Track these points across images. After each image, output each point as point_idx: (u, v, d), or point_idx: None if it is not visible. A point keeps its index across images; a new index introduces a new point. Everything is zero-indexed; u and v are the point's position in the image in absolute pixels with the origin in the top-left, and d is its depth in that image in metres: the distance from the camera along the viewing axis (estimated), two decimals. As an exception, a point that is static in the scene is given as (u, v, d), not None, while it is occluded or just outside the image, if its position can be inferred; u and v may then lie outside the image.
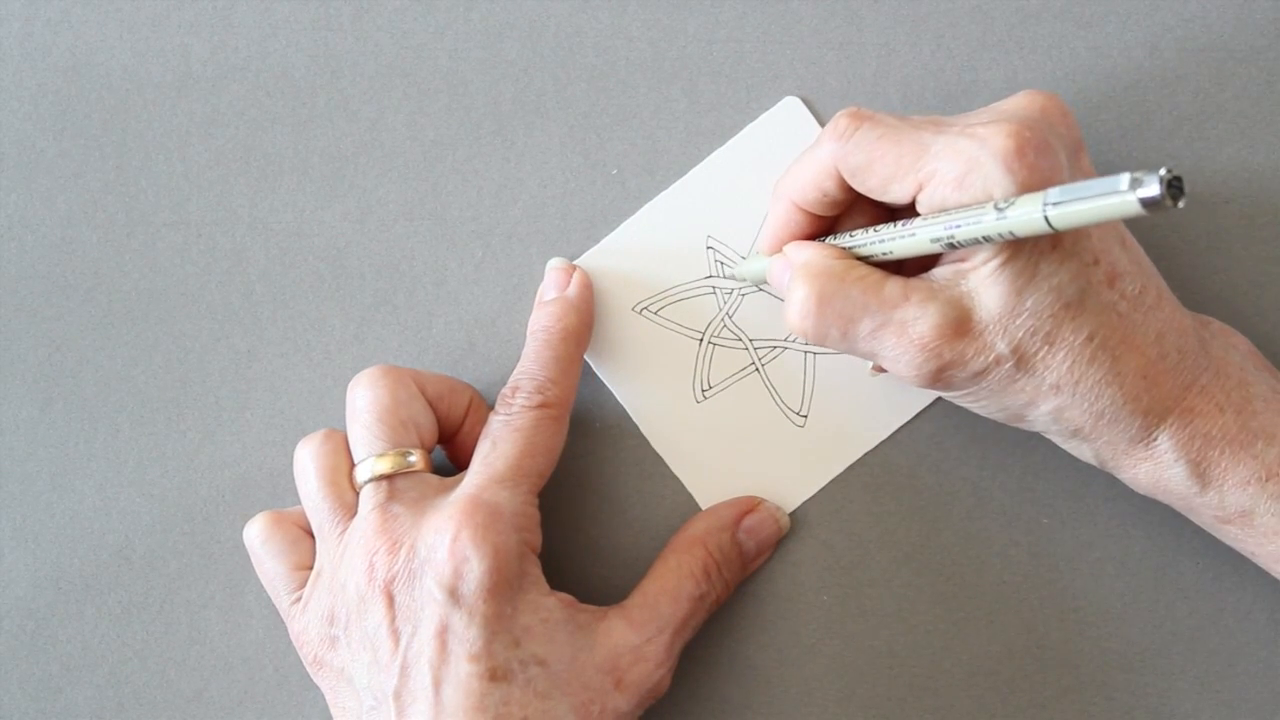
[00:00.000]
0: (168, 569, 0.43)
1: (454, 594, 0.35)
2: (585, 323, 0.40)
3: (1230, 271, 0.41)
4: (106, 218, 0.44)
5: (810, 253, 0.36)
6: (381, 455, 0.37)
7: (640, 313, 0.42)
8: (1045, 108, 0.34)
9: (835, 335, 0.34)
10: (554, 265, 0.42)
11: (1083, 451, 0.36)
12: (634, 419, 0.42)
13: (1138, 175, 0.26)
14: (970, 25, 0.42)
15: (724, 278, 0.42)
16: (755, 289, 0.42)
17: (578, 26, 0.43)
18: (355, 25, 0.43)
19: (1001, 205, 0.30)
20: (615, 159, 0.43)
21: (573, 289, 0.41)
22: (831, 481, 0.41)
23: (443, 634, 0.35)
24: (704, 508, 0.41)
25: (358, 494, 0.38)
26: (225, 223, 0.43)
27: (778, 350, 0.42)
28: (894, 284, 0.34)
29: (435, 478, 0.38)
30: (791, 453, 0.41)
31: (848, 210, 0.37)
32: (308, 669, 0.38)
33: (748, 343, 0.42)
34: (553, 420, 0.38)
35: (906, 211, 0.34)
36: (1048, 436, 0.36)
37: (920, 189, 0.33)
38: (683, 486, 0.41)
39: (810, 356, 0.41)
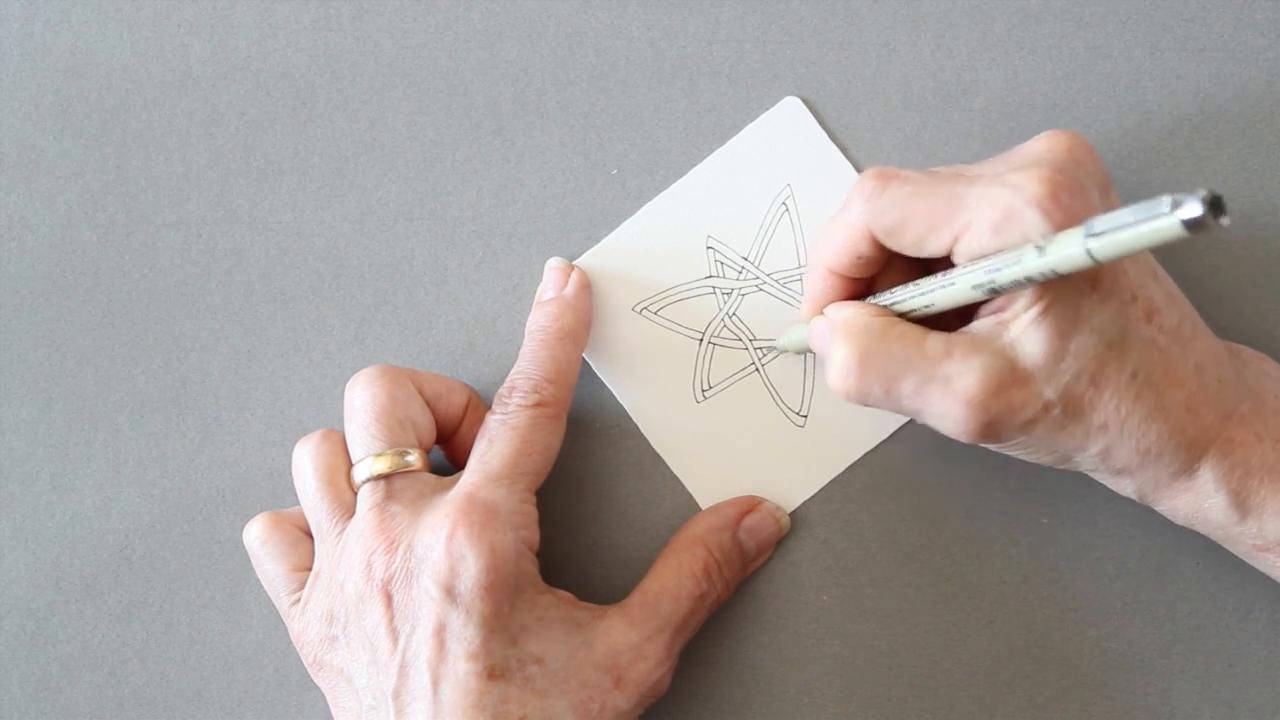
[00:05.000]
0: (168, 569, 0.42)
1: (450, 592, 0.35)
2: (583, 322, 0.40)
3: (1230, 271, 0.41)
4: (106, 218, 0.44)
5: (850, 312, 0.35)
6: (379, 455, 0.37)
7: (640, 313, 0.42)
8: (1072, 149, 0.33)
9: (878, 394, 0.34)
10: (552, 265, 0.42)
11: (1125, 487, 0.36)
12: (634, 419, 0.42)
13: (1178, 197, 0.26)
14: (970, 25, 0.42)
15: (724, 278, 0.42)
16: (758, 289, 0.42)
17: (578, 26, 0.43)
18: (355, 25, 0.43)
19: (1041, 244, 0.30)
20: (615, 159, 0.43)
21: (570, 289, 0.41)
22: (831, 481, 0.41)
23: (440, 633, 0.35)
24: (704, 508, 0.41)
25: (356, 494, 0.38)
26: (225, 223, 0.43)
27: (778, 349, 0.42)
28: (935, 339, 0.33)
29: (433, 477, 0.38)
30: (791, 453, 0.41)
31: (883, 269, 0.37)
32: (308, 669, 0.38)
33: (748, 343, 0.42)
34: (549, 419, 0.38)
35: (942, 265, 0.34)
36: (1093, 476, 0.36)
37: (956, 241, 0.33)
38: (683, 486, 0.41)
39: (810, 357, 0.41)
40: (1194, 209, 0.25)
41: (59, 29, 0.44)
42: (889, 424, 0.41)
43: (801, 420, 0.41)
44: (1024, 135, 0.42)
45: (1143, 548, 0.40)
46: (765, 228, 0.42)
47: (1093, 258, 0.28)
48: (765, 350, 0.42)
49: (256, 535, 0.39)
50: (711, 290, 0.42)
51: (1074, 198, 0.31)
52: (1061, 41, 0.42)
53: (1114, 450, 0.34)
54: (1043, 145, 0.34)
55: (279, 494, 0.42)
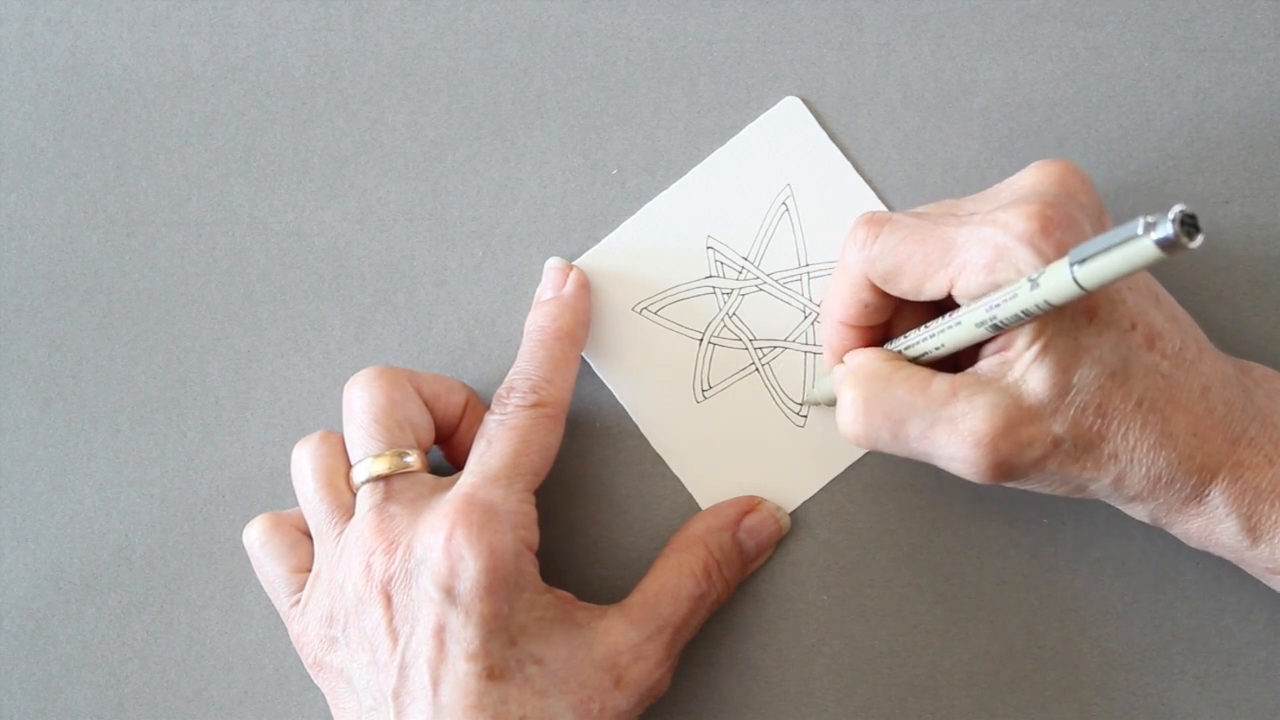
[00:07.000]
0: (168, 569, 0.42)
1: (450, 593, 0.35)
2: (581, 322, 0.40)
3: (1230, 272, 0.41)
4: (106, 218, 0.44)
5: (860, 358, 0.36)
6: (378, 456, 0.37)
7: (640, 313, 0.42)
8: (1063, 178, 0.33)
9: (886, 438, 0.34)
10: (551, 265, 0.42)
11: (1138, 512, 0.36)
12: (634, 419, 0.42)
13: (1151, 219, 0.26)
14: (970, 25, 0.42)
15: (724, 278, 0.42)
16: (758, 289, 0.42)
17: (578, 26, 0.43)
18: (355, 25, 0.43)
19: (1034, 277, 0.30)
20: (615, 159, 0.43)
21: (569, 288, 0.41)
22: (831, 481, 0.41)
23: (440, 633, 0.35)
24: (704, 508, 0.41)
25: (355, 495, 0.38)
26: (225, 223, 0.43)
27: (778, 350, 0.42)
28: (941, 381, 0.33)
29: (431, 477, 0.38)
30: (792, 452, 0.41)
31: (898, 314, 0.37)
32: (308, 670, 0.38)
33: (748, 342, 0.42)
34: (548, 419, 0.38)
35: (953, 307, 0.34)
36: (1108, 502, 0.36)
37: (953, 284, 0.33)
38: (683, 486, 0.41)
39: (811, 356, 0.41)
40: (1165, 229, 0.26)
41: (59, 29, 0.44)
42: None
43: (802, 420, 0.41)
44: (1024, 135, 0.42)
45: (1143, 548, 0.40)
46: (765, 228, 0.42)
47: (1080, 285, 0.28)
48: (765, 350, 0.42)
49: (256, 537, 0.39)
50: (711, 290, 0.42)
51: (1065, 231, 0.31)
52: (1061, 41, 0.42)
53: (1125, 479, 0.34)
54: (1033, 178, 0.34)
55: (279, 494, 0.42)
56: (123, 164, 0.44)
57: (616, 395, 0.42)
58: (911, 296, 0.34)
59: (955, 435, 0.33)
